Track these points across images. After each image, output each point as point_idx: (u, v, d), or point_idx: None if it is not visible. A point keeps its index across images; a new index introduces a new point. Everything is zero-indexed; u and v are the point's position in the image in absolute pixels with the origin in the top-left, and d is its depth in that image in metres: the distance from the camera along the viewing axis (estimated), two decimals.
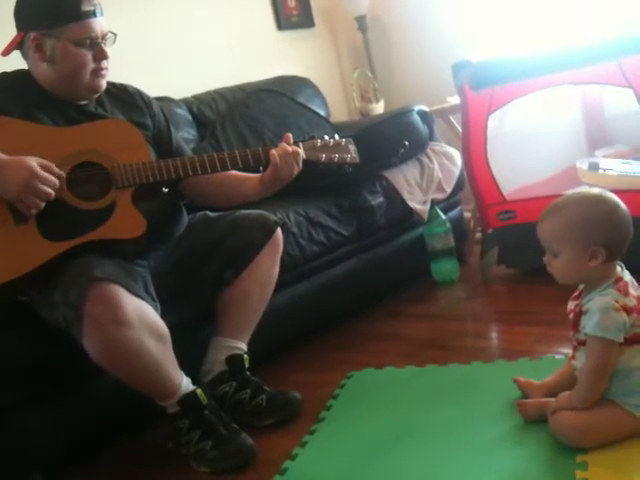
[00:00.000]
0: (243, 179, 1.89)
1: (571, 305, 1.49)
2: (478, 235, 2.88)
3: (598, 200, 1.40)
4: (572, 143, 2.79)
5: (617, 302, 1.36)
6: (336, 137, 1.91)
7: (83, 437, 1.82)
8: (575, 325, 1.45)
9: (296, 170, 1.80)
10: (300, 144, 1.84)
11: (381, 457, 1.55)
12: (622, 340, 1.35)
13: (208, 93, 2.92)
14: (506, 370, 1.81)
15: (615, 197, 1.41)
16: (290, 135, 1.84)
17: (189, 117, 2.75)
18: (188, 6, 3.08)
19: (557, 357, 1.82)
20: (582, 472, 1.31)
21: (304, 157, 1.82)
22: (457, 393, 1.77)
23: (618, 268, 1.42)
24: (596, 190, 1.43)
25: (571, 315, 1.47)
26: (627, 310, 1.36)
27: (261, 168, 1.83)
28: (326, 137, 1.90)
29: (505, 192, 2.55)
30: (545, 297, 2.18)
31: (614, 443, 1.36)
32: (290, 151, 1.78)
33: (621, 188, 2.13)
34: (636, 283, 1.44)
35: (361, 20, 3.56)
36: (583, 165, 2.51)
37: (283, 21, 3.48)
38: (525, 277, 2.58)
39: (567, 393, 1.44)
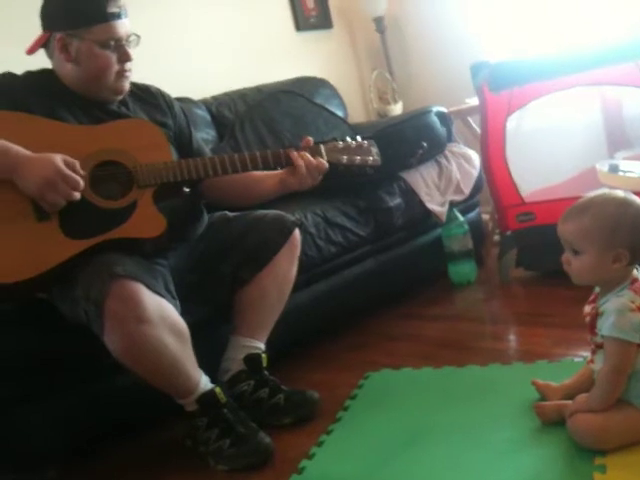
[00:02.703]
0: (262, 179, 1.90)
1: (587, 309, 1.49)
2: (496, 237, 2.88)
3: (626, 202, 1.38)
4: (591, 145, 2.77)
5: (633, 303, 1.35)
6: (358, 139, 1.90)
7: (86, 434, 1.84)
8: (592, 328, 1.44)
9: (318, 180, 1.81)
10: (322, 146, 1.84)
11: (398, 457, 1.56)
12: (639, 341, 1.34)
13: (227, 94, 2.94)
14: (524, 372, 1.80)
15: (639, 200, 1.40)
16: (311, 139, 1.84)
17: (208, 118, 2.78)
18: (208, 8, 3.10)
19: (576, 360, 1.82)
20: (600, 474, 1.31)
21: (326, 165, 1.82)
22: (474, 395, 1.77)
23: (634, 270, 1.42)
24: (620, 192, 1.42)
25: (587, 318, 1.47)
26: None
27: (278, 167, 1.84)
28: (348, 139, 1.89)
29: (524, 194, 2.54)
30: (564, 300, 2.17)
31: (633, 445, 1.36)
32: (315, 164, 1.79)
33: None
34: None
35: (379, 21, 3.56)
36: (603, 167, 2.50)
37: (301, 22, 3.50)
38: (544, 279, 2.57)
39: (585, 395, 1.44)
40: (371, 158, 1.89)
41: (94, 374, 1.80)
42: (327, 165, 1.82)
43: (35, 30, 1.74)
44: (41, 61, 1.79)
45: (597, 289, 1.48)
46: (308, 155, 1.80)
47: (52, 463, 1.78)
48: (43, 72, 1.79)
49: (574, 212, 1.43)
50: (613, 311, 1.36)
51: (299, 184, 1.81)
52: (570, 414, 1.43)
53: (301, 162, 1.79)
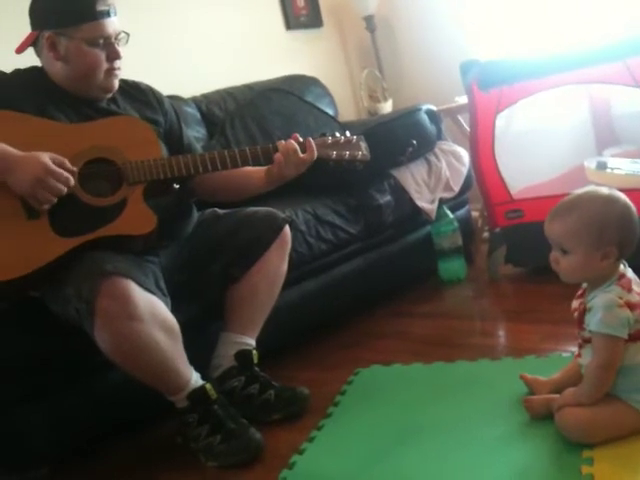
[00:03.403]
0: (250, 173, 1.91)
1: (575, 304, 1.50)
2: (486, 234, 2.89)
3: (611, 200, 1.39)
4: (580, 142, 2.78)
5: (621, 299, 1.37)
6: (347, 134, 1.92)
7: (85, 434, 1.84)
8: (580, 323, 1.46)
9: (301, 167, 1.81)
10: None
11: (389, 452, 1.57)
12: (626, 336, 1.36)
13: (217, 92, 2.94)
14: (513, 367, 1.81)
15: (624, 196, 1.41)
16: (297, 135, 1.85)
17: (198, 116, 2.77)
18: (198, 7, 3.10)
19: (564, 355, 1.83)
20: (588, 467, 1.32)
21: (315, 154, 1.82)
22: (464, 390, 1.78)
23: (621, 265, 1.43)
24: (605, 189, 1.42)
25: (575, 313, 1.48)
26: (630, 306, 1.36)
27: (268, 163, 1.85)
28: (337, 134, 1.90)
29: (513, 191, 2.56)
30: (552, 296, 2.18)
31: (620, 439, 1.37)
32: (288, 150, 1.79)
33: (628, 187, 2.13)
34: (639, 280, 1.44)
35: (369, 20, 3.57)
36: (591, 164, 2.52)
37: (292, 21, 3.50)
38: (532, 276, 2.59)
39: (572, 389, 1.45)
40: (360, 153, 1.90)
41: (94, 373, 1.80)
42: (315, 149, 1.82)
43: (24, 29, 1.74)
44: (30, 59, 1.78)
45: (585, 284, 1.49)
46: (292, 142, 1.80)
47: (44, 462, 1.78)
48: (32, 70, 1.79)
49: (560, 211, 1.43)
50: (601, 307, 1.37)
51: (278, 171, 1.81)
52: (558, 408, 1.45)
53: (282, 152, 1.78)
